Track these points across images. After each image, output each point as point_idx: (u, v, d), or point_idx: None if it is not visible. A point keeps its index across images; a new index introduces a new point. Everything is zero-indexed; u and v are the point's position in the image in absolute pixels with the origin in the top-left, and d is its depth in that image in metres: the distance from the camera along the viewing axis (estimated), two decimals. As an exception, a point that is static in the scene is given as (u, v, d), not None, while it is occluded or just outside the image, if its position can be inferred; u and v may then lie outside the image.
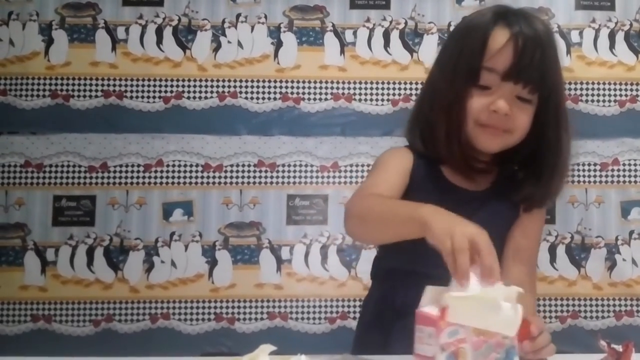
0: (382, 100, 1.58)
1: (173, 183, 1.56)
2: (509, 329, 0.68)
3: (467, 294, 0.70)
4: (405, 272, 1.05)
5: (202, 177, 1.57)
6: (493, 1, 1.58)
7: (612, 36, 1.62)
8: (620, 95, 1.60)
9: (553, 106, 1.02)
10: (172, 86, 1.58)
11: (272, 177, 1.58)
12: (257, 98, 1.59)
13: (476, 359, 0.68)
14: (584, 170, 1.58)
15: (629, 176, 1.59)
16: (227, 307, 1.54)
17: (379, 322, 1.09)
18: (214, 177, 1.57)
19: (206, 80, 1.59)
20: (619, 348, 0.81)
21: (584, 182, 1.58)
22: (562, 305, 1.55)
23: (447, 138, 1.02)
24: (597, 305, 1.55)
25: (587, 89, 1.60)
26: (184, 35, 1.60)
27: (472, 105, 1.00)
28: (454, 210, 0.95)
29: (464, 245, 0.74)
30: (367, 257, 1.48)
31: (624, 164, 1.59)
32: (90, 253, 1.54)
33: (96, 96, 1.57)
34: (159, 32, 1.59)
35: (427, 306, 0.72)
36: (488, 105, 0.98)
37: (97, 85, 1.58)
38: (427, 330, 0.68)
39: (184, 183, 1.56)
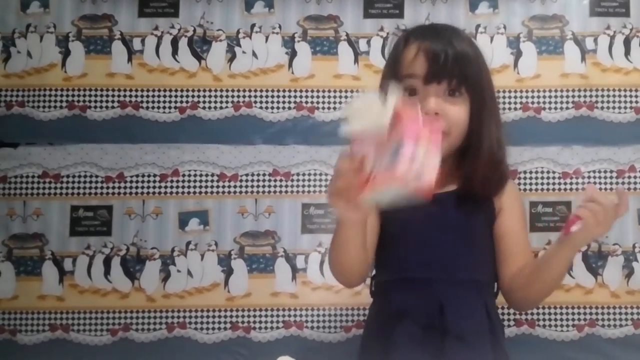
0: (397, 108, 1.58)
1: (189, 193, 1.57)
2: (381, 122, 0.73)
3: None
4: (396, 281, 1.08)
5: (218, 186, 1.57)
6: (505, 9, 1.61)
7: (627, 43, 1.61)
8: (636, 102, 1.59)
9: (480, 99, 1.08)
10: (187, 96, 1.59)
11: (286, 186, 1.58)
12: (272, 107, 1.59)
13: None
14: (599, 178, 1.57)
15: (646, 183, 1.58)
16: (242, 316, 1.54)
17: (380, 331, 1.14)
18: (229, 187, 1.57)
19: (221, 91, 1.60)
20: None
21: (600, 189, 1.57)
22: (579, 313, 1.53)
23: None
24: (614, 314, 1.54)
25: (602, 96, 1.59)
26: (199, 45, 1.61)
27: None
28: (412, 214, 1.02)
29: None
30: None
31: (640, 171, 1.58)
32: (107, 263, 1.55)
33: (112, 107, 1.59)
34: (175, 43, 1.61)
35: None
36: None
37: (113, 96, 1.59)
38: None
39: (200, 193, 1.57)
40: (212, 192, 1.57)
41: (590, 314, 1.53)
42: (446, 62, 1.04)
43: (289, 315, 1.55)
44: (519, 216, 1.16)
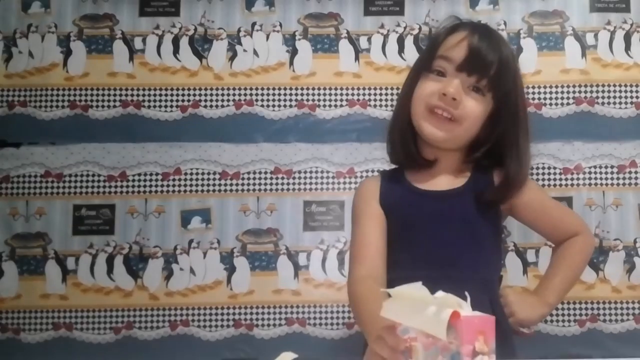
0: (398, 105, 1.59)
1: (191, 191, 1.57)
2: (438, 331, 0.68)
3: (399, 291, 0.73)
4: (402, 279, 1.08)
5: (220, 184, 1.58)
6: (506, 6, 1.61)
7: (627, 38, 1.61)
8: (637, 97, 1.59)
9: (510, 108, 1.08)
10: (189, 95, 1.60)
11: (288, 183, 1.58)
12: (273, 106, 1.60)
13: (426, 358, 0.70)
14: (601, 173, 1.57)
15: (647, 178, 1.58)
16: (245, 314, 1.55)
17: None
18: (231, 185, 1.58)
19: (222, 89, 1.60)
20: None
21: (601, 184, 1.57)
22: (580, 309, 1.54)
23: (399, 125, 1.12)
24: (616, 309, 1.54)
25: (603, 92, 1.59)
26: (200, 44, 1.61)
27: (424, 87, 1.07)
28: (419, 211, 1.07)
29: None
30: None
31: (641, 166, 1.58)
32: (110, 261, 1.55)
33: (114, 106, 1.59)
34: (176, 42, 1.61)
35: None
36: (439, 89, 1.04)
37: (115, 95, 1.59)
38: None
39: (202, 191, 1.57)
40: (214, 191, 1.58)
41: (592, 309, 1.54)
42: (485, 59, 1.04)
43: (292, 313, 1.55)
44: (536, 206, 1.16)
